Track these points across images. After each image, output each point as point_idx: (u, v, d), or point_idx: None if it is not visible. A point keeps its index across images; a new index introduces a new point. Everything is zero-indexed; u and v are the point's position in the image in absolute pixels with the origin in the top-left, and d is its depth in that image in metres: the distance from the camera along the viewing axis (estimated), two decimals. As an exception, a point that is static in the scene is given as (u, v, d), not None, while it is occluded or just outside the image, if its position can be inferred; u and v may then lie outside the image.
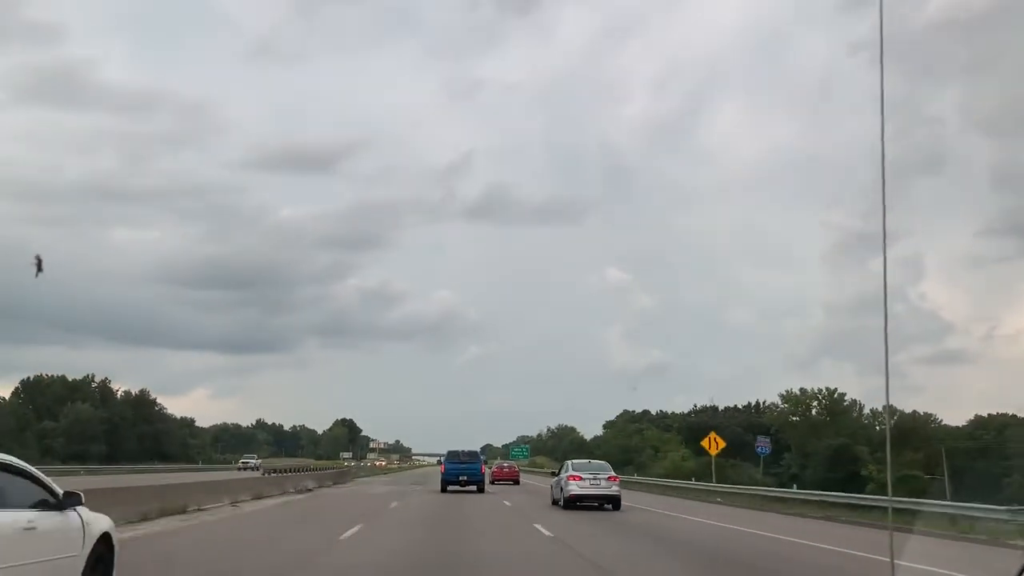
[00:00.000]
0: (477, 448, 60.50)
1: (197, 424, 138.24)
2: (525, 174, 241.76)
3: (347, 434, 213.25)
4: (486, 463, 49.62)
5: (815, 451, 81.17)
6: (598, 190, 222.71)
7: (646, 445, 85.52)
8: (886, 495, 20.78)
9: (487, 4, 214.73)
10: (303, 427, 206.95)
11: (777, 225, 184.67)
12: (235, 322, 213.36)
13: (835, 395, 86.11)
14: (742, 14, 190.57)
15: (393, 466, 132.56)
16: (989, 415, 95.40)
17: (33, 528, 6.89)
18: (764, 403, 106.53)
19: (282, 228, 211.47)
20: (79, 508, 7.91)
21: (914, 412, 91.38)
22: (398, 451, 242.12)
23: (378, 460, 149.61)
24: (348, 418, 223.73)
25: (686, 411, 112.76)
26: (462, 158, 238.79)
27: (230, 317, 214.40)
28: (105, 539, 8.41)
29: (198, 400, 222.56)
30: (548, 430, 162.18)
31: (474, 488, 38.59)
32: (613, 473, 28.77)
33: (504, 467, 59.66)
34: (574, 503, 27.33)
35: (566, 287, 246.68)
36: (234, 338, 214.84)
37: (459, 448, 41.26)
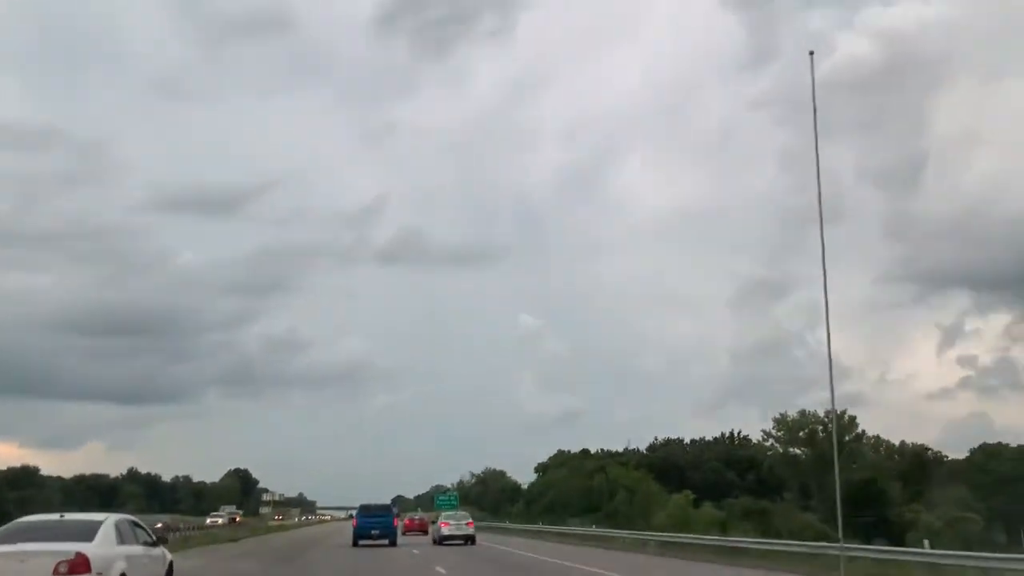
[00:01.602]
0: (388, 500, 62.38)
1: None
2: (438, 219, 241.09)
3: (239, 486, 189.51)
4: (398, 516, 49.68)
5: (830, 487, 63.29)
6: (511, 236, 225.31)
7: (615, 486, 66.34)
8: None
9: (401, 49, 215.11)
10: (186, 478, 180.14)
11: (684, 273, 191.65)
12: (133, 371, 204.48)
13: (843, 417, 68.89)
14: (648, 69, 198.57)
15: (290, 522, 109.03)
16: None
17: (150, 553, 13.95)
18: (739, 433, 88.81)
19: (184, 273, 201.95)
20: (163, 546, 15.20)
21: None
22: (301, 505, 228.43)
23: (275, 515, 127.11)
24: (242, 468, 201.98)
25: (644, 447, 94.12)
26: (374, 202, 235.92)
27: (128, 366, 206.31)
28: (170, 563, 15.19)
29: (92, 453, 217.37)
30: (472, 475, 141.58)
31: (386, 542, 38.56)
32: (470, 520, 43.79)
33: (415, 519, 61.07)
34: (443, 540, 40.80)
35: (479, 333, 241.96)
36: (132, 388, 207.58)
37: (371, 501, 42.44)
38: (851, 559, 19.83)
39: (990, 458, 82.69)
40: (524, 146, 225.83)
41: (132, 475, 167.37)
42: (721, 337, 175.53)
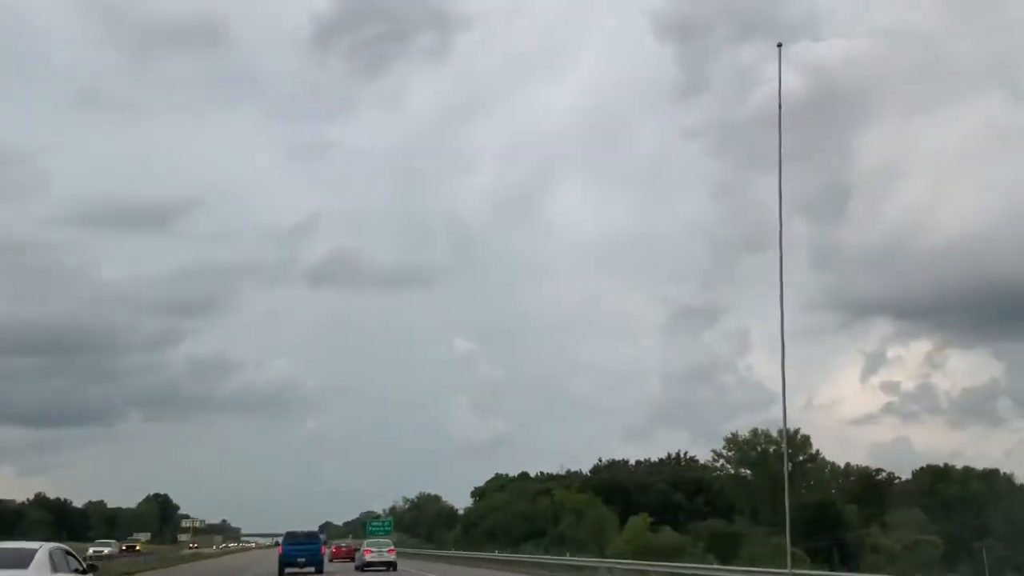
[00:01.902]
0: (317, 526, 63.01)
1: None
2: (372, 240, 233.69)
3: (158, 511, 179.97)
4: (326, 543, 50.02)
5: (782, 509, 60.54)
6: (445, 259, 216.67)
7: (562, 509, 62.54)
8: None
9: (336, 66, 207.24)
10: (99, 503, 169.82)
11: (617, 299, 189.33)
12: (48, 392, 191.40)
13: (797, 436, 66.43)
14: (584, 96, 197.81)
15: (207, 550, 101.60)
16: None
17: None
18: (686, 454, 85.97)
19: (106, 290, 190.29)
20: (91, 574, 15.25)
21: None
22: (224, 531, 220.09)
23: (191, 543, 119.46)
24: (162, 493, 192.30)
25: (587, 469, 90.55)
26: (306, 221, 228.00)
27: (42, 387, 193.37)
28: None
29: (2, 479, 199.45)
30: (405, 500, 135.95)
31: (312, 570, 37.82)
32: (392, 547, 44.92)
33: (343, 546, 61.56)
34: (367, 567, 42.43)
35: (412, 357, 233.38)
36: (45, 410, 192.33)
37: (298, 528, 41.71)
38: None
39: (937, 480, 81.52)
40: (460, 169, 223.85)
41: (40, 500, 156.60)
42: (653, 362, 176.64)
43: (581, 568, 33.16)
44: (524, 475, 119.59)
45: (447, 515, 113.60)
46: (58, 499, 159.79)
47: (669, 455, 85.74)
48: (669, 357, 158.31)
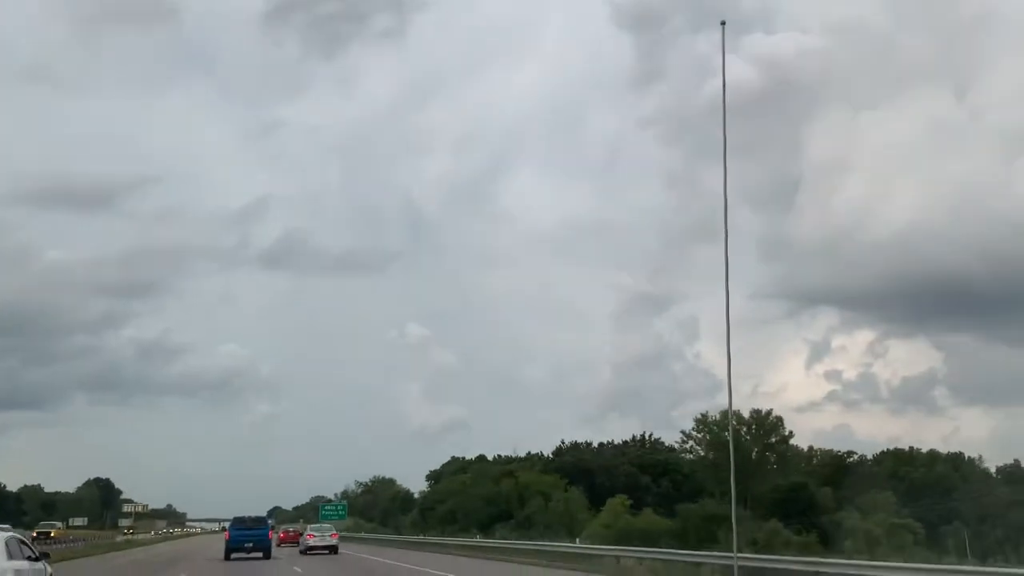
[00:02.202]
0: (265, 511, 63.90)
1: None
2: (325, 223, 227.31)
3: (99, 496, 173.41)
4: (274, 528, 49.84)
5: (758, 494, 58.36)
6: (400, 244, 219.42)
7: (527, 492, 59.56)
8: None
9: (290, 45, 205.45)
10: (36, 487, 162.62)
11: (570, 286, 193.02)
12: None
13: (770, 417, 64.36)
14: (541, 82, 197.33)
15: (144, 537, 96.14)
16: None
17: (34, 568, 14.70)
18: (651, 436, 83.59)
19: (49, 270, 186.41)
20: (44, 560, 16.10)
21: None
22: (169, 517, 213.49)
23: (126, 528, 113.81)
24: (104, 477, 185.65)
25: (548, 451, 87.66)
26: (257, 203, 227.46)
27: None
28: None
29: None
30: (359, 484, 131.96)
31: (260, 555, 37.68)
32: (335, 531, 47.02)
33: (290, 531, 62.76)
34: (309, 550, 43.28)
35: (365, 341, 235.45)
36: None
37: (246, 513, 41.72)
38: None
39: (900, 464, 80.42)
40: (414, 153, 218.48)
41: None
42: (605, 349, 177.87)
43: (576, 556, 29.99)
44: (481, 458, 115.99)
45: (403, 499, 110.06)
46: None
47: (634, 437, 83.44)
48: (621, 344, 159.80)
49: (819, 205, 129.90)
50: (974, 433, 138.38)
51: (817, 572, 18.41)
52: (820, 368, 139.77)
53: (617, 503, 44.67)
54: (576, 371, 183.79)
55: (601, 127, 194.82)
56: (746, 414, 64.53)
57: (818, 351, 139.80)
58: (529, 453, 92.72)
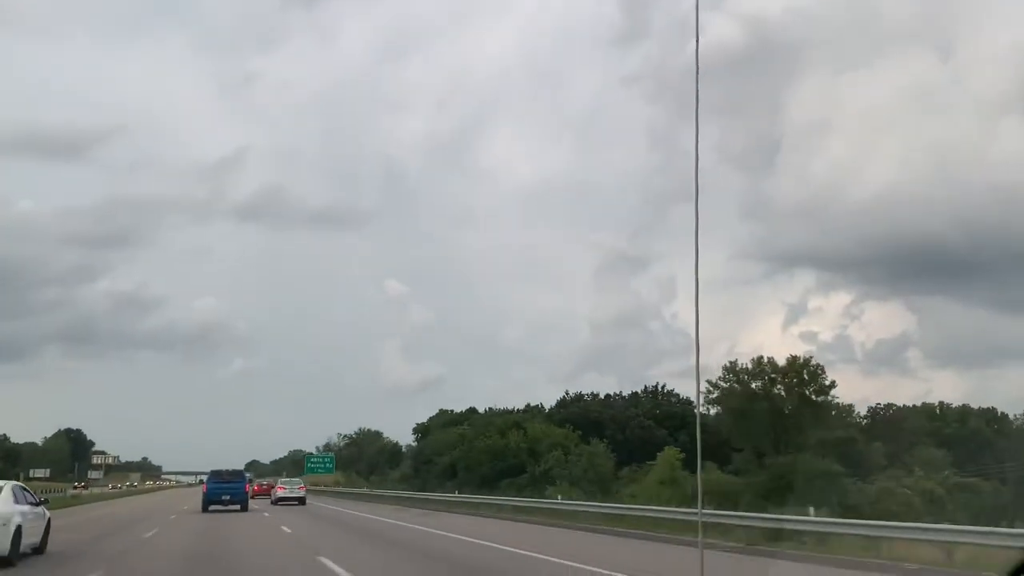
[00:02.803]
0: (243, 465, 66.99)
1: None
2: (302, 177, 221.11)
3: (69, 448, 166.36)
4: (251, 481, 51.76)
5: (798, 447, 52.02)
6: (378, 200, 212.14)
7: (540, 445, 53.08)
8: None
9: None
10: (2, 437, 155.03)
11: (548, 246, 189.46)
12: None
13: (809, 364, 57.97)
14: (522, 39, 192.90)
15: (100, 491, 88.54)
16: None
17: (36, 511, 17.29)
18: (663, 387, 77.31)
19: (20, 220, 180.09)
20: (44, 505, 18.78)
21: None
22: (144, 469, 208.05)
23: (76, 484, 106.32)
24: (74, 428, 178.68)
25: (551, 403, 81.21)
26: (233, 155, 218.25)
27: None
28: (48, 519, 18.48)
29: None
30: (342, 436, 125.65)
31: (237, 507, 37.96)
32: (303, 484, 51.80)
33: (263, 484, 64.62)
34: (279, 501, 47.95)
35: (343, 297, 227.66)
36: None
37: (223, 467, 41.65)
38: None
39: (930, 419, 74.95)
40: (393, 108, 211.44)
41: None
42: (583, 308, 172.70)
43: (656, 522, 23.06)
44: (472, 410, 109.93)
45: (390, 452, 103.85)
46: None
47: (646, 388, 77.14)
48: (599, 304, 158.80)
49: (800, 166, 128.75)
50: (946, 395, 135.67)
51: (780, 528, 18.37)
52: (796, 330, 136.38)
53: (671, 455, 38.00)
54: (553, 330, 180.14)
55: (583, 85, 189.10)
56: (781, 361, 58.25)
57: (794, 312, 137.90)
58: (528, 405, 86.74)
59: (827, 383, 57.54)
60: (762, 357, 58.85)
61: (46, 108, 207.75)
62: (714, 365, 63.36)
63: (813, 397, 58.42)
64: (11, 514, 15.38)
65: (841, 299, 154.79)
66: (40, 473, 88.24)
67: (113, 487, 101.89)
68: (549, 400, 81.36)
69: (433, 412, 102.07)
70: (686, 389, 75.08)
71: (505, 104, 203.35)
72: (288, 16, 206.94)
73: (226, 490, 38.14)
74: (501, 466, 54.64)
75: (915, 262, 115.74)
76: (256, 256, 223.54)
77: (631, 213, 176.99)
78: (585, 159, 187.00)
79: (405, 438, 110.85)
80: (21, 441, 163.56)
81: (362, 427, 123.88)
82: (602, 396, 78.68)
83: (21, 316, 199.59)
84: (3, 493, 15.81)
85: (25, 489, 17.86)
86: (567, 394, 79.88)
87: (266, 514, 35.64)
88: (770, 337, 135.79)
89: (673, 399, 74.39)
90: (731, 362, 61.50)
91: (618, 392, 79.91)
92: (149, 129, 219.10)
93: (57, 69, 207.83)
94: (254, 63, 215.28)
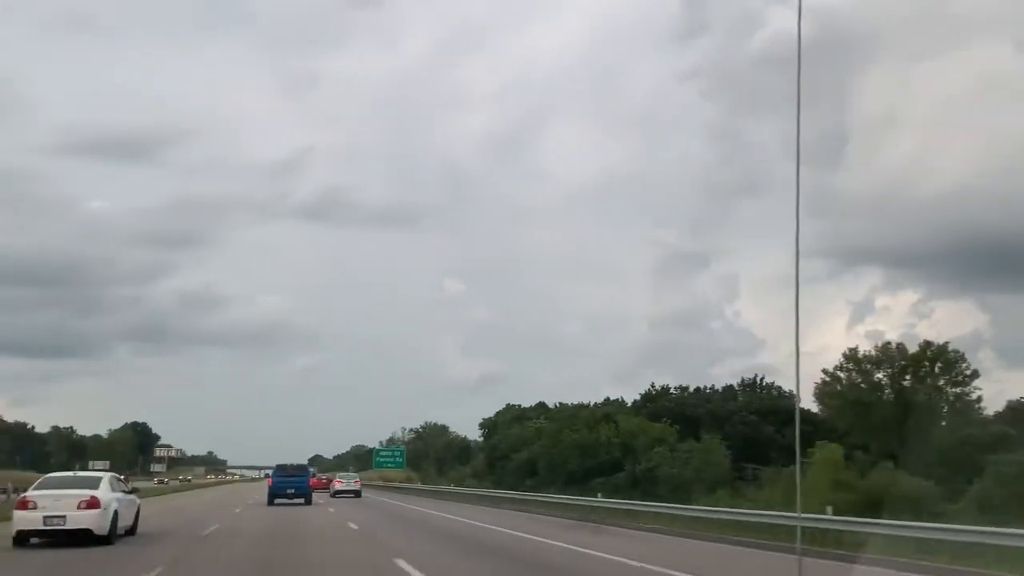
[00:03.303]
0: (306, 460, 69.89)
1: None
2: (363, 176, 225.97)
3: (135, 440, 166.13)
4: (314, 476, 53.08)
5: (925, 445, 44.41)
6: (437, 198, 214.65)
7: (639, 442, 46.67)
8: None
9: None
10: (66, 429, 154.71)
11: (607, 242, 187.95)
12: (36, 323, 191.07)
13: (947, 352, 50.24)
14: (579, 37, 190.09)
15: (173, 483, 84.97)
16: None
17: (128, 498, 19.76)
18: (762, 379, 69.98)
19: (93, 221, 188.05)
20: (135, 493, 21.30)
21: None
22: (209, 463, 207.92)
23: (158, 477, 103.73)
24: (141, 422, 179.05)
25: (631, 398, 74.48)
26: (297, 155, 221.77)
27: (30, 318, 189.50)
28: (138, 506, 20.91)
29: None
30: (406, 431, 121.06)
31: (301, 501, 38.88)
32: (358, 479, 56.94)
33: (321, 478, 63.94)
34: (337, 494, 51.14)
35: (403, 295, 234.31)
36: (36, 341, 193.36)
37: (287, 461, 42.91)
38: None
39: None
40: (454, 107, 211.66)
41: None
42: (642, 306, 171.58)
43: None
44: (542, 405, 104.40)
45: (459, 447, 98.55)
46: (17, 422, 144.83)
47: (743, 380, 69.92)
48: (658, 301, 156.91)
49: (868, 160, 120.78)
50: (1019, 396, 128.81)
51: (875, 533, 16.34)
52: (861, 328, 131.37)
53: (834, 451, 31.20)
54: (613, 328, 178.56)
55: (642, 81, 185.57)
56: (912, 349, 50.67)
57: (859, 311, 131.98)
58: (608, 399, 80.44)
59: (967, 373, 49.73)
60: (889, 343, 51.34)
61: (116, 110, 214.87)
62: (779, 364, 56.52)
63: (950, 389, 50.78)
64: (109, 501, 17.61)
65: (908, 297, 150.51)
66: (100, 465, 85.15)
67: (159, 482, 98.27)
68: (661, 384, 74.71)
69: (495, 407, 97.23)
70: (786, 382, 67.65)
71: (564, 101, 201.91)
72: (351, 15, 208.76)
73: (290, 484, 39.31)
74: (590, 463, 48.30)
75: (988, 259, 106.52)
76: (319, 254, 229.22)
77: (691, 209, 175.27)
78: (644, 155, 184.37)
79: (468, 432, 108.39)
80: (88, 434, 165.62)
81: (427, 421, 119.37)
82: (692, 390, 71.70)
83: (94, 314, 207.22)
84: (102, 484, 18.16)
85: (119, 478, 21.13)
86: (652, 387, 73.04)
87: (331, 509, 34.63)
88: (834, 337, 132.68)
89: (774, 391, 67.05)
90: (851, 349, 54.20)
91: (709, 386, 72.83)
92: (215, 130, 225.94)
93: (126, 71, 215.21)
94: (317, 63, 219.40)
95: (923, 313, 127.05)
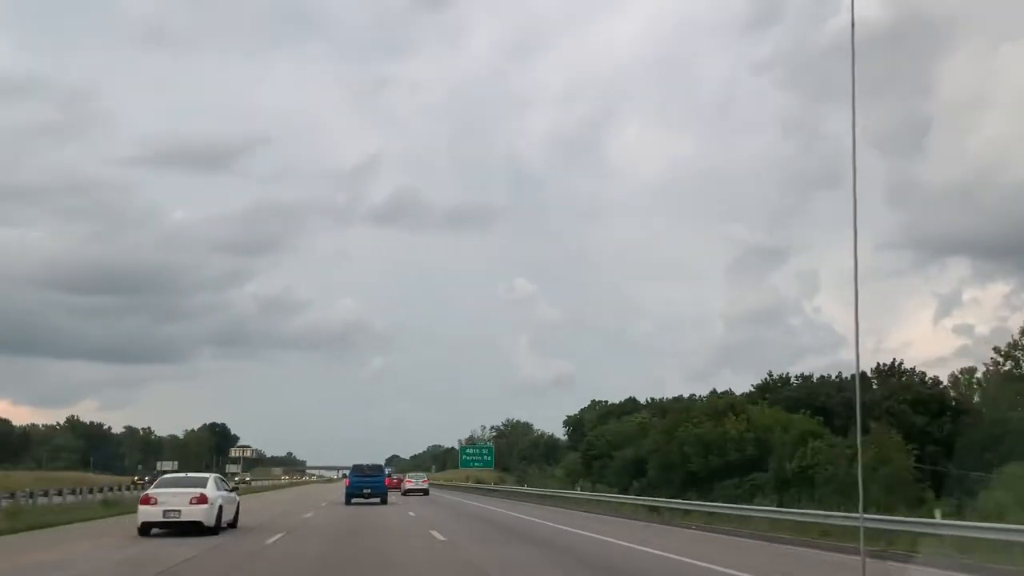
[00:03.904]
0: (383, 460, 74.72)
1: None
2: (434, 179, 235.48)
3: (214, 441, 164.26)
4: (390, 476, 55.01)
5: None
6: (506, 199, 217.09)
7: (778, 439, 38.18)
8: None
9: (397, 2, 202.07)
10: (141, 430, 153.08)
11: (679, 239, 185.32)
12: (123, 330, 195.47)
13: None
14: (646, 30, 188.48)
15: (244, 483, 79.33)
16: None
17: (230, 495, 22.47)
18: (898, 364, 60.21)
19: (174, 229, 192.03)
20: (235, 492, 24.11)
21: None
22: (288, 464, 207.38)
23: (239, 476, 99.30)
24: (220, 423, 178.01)
25: (745, 388, 65.73)
26: (369, 160, 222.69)
27: (118, 324, 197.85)
28: (238, 503, 23.42)
29: (87, 412, 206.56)
30: (486, 429, 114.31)
31: (377, 500, 39.08)
32: (425, 477, 63.93)
33: (393, 478, 64.62)
34: (407, 492, 55.54)
35: (475, 296, 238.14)
36: (122, 347, 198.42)
37: (364, 461, 43.10)
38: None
39: None
40: (521, 106, 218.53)
41: (72, 424, 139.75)
42: (717, 303, 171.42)
43: None
44: (631, 400, 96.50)
45: (546, 445, 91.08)
46: (92, 423, 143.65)
47: (880, 365, 60.34)
48: (734, 298, 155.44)
49: (952, 147, 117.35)
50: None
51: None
52: (949, 323, 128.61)
53: None
54: (687, 326, 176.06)
55: (713, 73, 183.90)
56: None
57: (947, 304, 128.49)
58: (715, 391, 70.58)
59: None
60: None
61: (196, 121, 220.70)
62: (863, 361, 47.24)
63: None
64: (215, 497, 20.25)
65: (999, 289, 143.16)
66: (168, 465, 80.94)
67: (241, 482, 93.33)
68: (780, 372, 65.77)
69: (568, 405, 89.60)
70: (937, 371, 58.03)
71: (632, 97, 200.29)
72: (417, 20, 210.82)
73: (367, 484, 39.62)
74: (716, 462, 40.07)
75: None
76: (392, 257, 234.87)
77: (766, 203, 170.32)
78: (717, 149, 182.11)
79: (547, 430, 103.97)
80: (166, 434, 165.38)
81: (509, 418, 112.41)
82: (817, 378, 62.45)
83: (179, 319, 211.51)
84: (209, 483, 20.92)
85: (222, 479, 23.93)
86: (770, 376, 64.08)
87: (411, 513, 32.07)
88: (920, 331, 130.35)
89: (916, 377, 57.37)
90: (1017, 338, 44.73)
91: (831, 375, 63.39)
92: (289, 138, 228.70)
93: (205, 84, 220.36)
94: (386, 68, 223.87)
95: (1015, 305, 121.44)
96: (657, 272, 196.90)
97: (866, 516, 12.99)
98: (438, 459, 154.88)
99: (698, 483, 40.09)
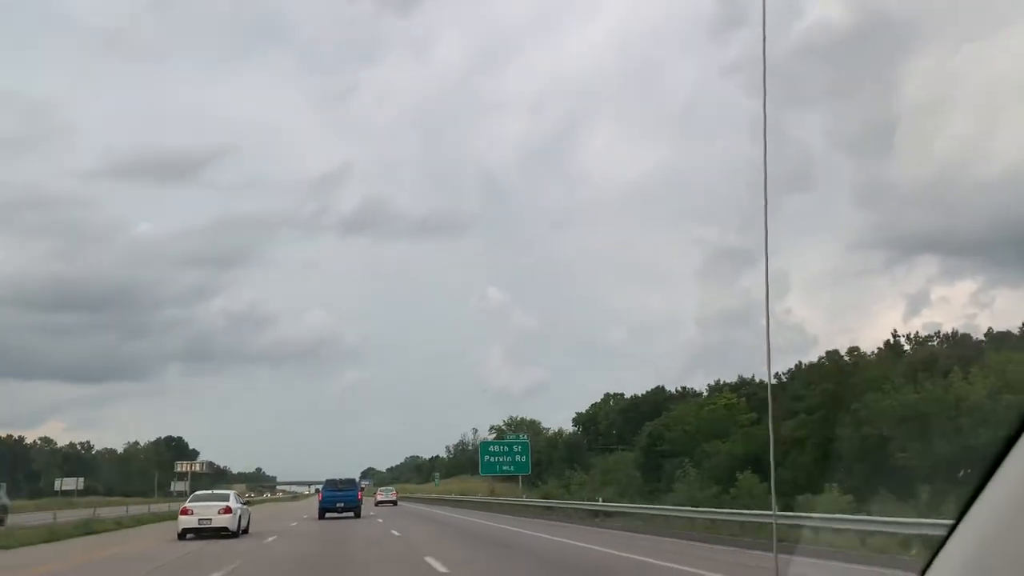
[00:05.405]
0: (358, 473, 75.98)
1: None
2: (403, 188, 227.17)
3: (169, 456, 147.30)
4: (363, 490, 50.48)
5: None
6: (476, 208, 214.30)
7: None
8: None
9: (365, 6, 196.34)
10: (85, 444, 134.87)
11: (651, 244, 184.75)
12: (89, 348, 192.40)
13: None
14: (614, 37, 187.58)
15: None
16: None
17: (243, 509, 29.40)
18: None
19: (139, 244, 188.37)
20: (248, 506, 32.27)
21: None
22: (257, 480, 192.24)
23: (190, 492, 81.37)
24: (175, 436, 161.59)
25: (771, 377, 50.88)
26: (337, 170, 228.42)
27: (83, 342, 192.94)
28: (250, 515, 30.89)
29: (53, 433, 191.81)
30: (489, 429, 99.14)
31: (351, 515, 40.19)
32: (394, 490, 71.82)
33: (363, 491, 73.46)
34: (379, 503, 63.20)
35: (446, 306, 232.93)
36: (88, 365, 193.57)
37: (339, 476, 43.60)
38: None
39: None
40: (489, 114, 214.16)
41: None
42: (688, 307, 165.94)
43: None
44: (659, 390, 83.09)
45: (565, 446, 74.38)
46: (10, 436, 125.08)
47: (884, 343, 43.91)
48: (704, 301, 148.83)
49: (918, 147, 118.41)
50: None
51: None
52: (918, 321, 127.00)
53: None
54: (659, 330, 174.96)
55: (679, 77, 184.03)
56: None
57: (915, 304, 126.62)
58: (741, 378, 62.48)
59: None
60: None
61: (160, 132, 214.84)
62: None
63: None
64: (237, 508, 27.10)
65: (967, 286, 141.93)
66: (70, 483, 64.10)
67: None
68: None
69: (536, 415, 75.09)
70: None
71: (600, 103, 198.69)
72: (384, 29, 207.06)
73: (340, 498, 40.19)
74: (945, 448, 22.66)
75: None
76: (361, 268, 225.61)
77: (735, 206, 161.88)
78: (685, 153, 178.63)
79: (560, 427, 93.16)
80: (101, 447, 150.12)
81: (512, 416, 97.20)
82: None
83: (146, 336, 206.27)
84: (231, 497, 28.11)
85: (237, 496, 30.42)
86: (799, 363, 48.35)
87: (395, 532, 28.63)
88: (890, 330, 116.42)
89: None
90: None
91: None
92: (256, 148, 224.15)
93: (168, 94, 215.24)
94: (353, 78, 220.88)
95: (983, 303, 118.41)
96: (628, 277, 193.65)
97: (779, 513, 12.00)
98: (421, 469, 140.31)
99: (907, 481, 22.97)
